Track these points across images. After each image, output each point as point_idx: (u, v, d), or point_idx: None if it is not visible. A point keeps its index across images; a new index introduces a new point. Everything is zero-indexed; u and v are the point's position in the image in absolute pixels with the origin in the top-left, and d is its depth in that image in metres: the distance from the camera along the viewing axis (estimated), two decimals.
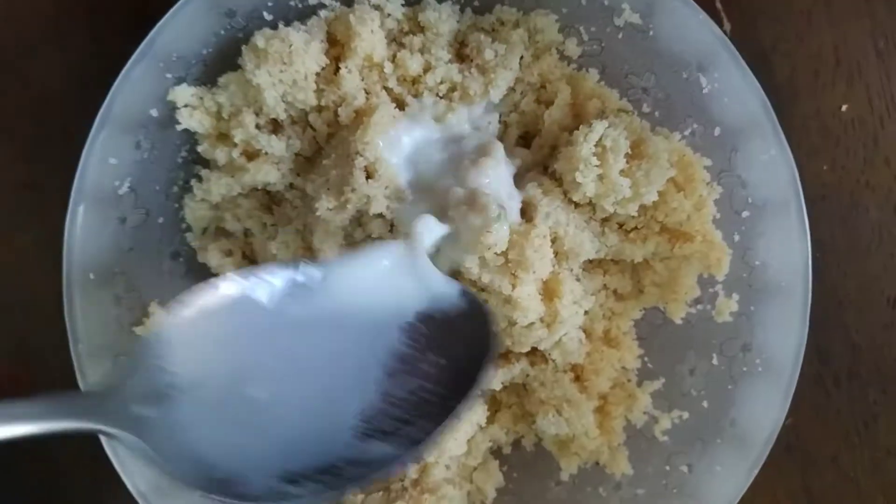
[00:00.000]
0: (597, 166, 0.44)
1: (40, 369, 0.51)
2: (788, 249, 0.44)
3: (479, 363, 0.39)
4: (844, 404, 0.53)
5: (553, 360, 0.48)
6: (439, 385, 0.39)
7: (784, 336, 0.44)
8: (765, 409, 0.44)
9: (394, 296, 0.42)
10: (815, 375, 0.53)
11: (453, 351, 0.40)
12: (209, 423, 0.38)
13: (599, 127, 0.45)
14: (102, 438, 0.44)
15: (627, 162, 0.45)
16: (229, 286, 0.39)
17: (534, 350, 0.49)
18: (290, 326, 0.40)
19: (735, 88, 0.44)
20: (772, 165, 0.43)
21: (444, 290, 0.42)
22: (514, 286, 0.43)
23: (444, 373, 0.40)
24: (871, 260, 0.52)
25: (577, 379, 0.49)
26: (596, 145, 0.45)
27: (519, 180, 0.48)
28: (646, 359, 0.50)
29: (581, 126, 0.46)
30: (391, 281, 0.42)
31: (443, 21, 0.47)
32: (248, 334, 0.40)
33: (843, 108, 0.52)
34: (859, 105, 0.52)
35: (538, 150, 0.50)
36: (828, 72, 0.52)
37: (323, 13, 0.47)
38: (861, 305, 0.53)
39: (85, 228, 0.44)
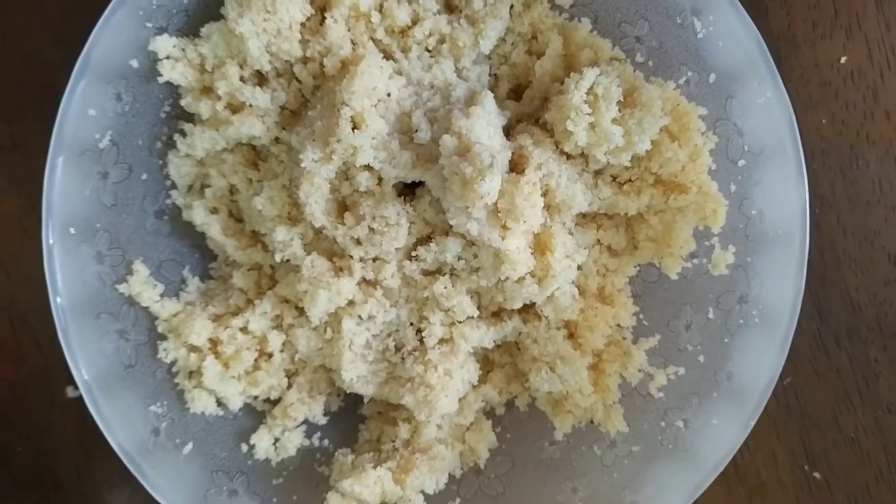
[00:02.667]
0: (588, 114, 0.43)
1: (25, 332, 0.50)
2: (786, 196, 0.43)
3: None
4: (844, 363, 0.52)
5: (546, 317, 0.47)
6: None
7: (781, 285, 0.43)
8: (761, 360, 0.43)
9: None
10: (814, 334, 0.52)
11: None
12: None
13: (591, 74, 0.44)
14: (86, 397, 0.44)
15: (620, 110, 0.44)
16: None
17: (526, 307, 0.48)
18: None
19: (730, 30, 0.42)
20: (768, 109, 0.42)
21: None
22: (503, 238, 0.42)
23: None
24: (871, 214, 0.51)
25: (571, 336, 0.48)
26: (587, 93, 0.44)
27: (510, 133, 0.47)
28: (641, 316, 0.49)
29: (572, 73, 0.44)
30: None
31: None
32: None
33: (842, 59, 0.51)
34: (858, 57, 0.51)
35: (529, 101, 0.48)
36: (826, 22, 0.51)
37: None
38: (861, 262, 0.52)
39: (65, 182, 0.43)
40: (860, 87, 0.51)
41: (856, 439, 0.52)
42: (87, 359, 0.44)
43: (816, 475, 0.52)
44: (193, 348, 0.46)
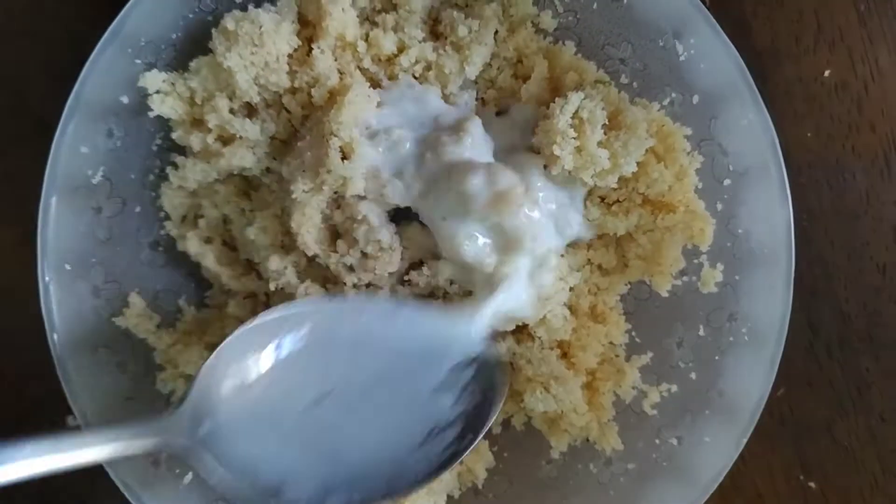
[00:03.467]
0: (574, 138, 0.44)
1: (25, 362, 0.51)
2: (771, 215, 0.43)
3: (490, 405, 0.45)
4: (836, 374, 0.52)
5: (539, 338, 0.48)
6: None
7: (769, 303, 0.44)
8: (752, 378, 0.44)
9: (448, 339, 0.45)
10: (806, 346, 0.52)
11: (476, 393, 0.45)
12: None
13: (575, 99, 0.44)
14: None
15: (605, 133, 0.44)
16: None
17: (519, 328, 0.48)
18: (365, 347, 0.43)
19: (711, 53, 0.43)
20: (751, 131, 0.43)
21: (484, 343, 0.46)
22: (501, 263, 0.43)
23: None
24: (859, 226, 0.52)
25: (565, 356, 0.49)
26: (573, 117, 0.44)
27: (499, 156, 0.47)
28: (633, 333, 0.49)
29: (557, 98, 0.45)
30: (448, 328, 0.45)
31: None
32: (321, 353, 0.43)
33: (826, 73, 0.51)
34: (842, 70, 0.51)
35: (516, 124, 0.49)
36: (809, 37, 0.51)
37: None
38: (850, 273, 0.52)
39: (59, 219, 0.44)
40: (844, 100, 0.51)
41: (850, 448, 0.52)
42: (86, 393, 0.44)
43: (812, 485, 0.52)
44: (190, 378, 0.47)
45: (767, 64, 0.49)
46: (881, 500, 0.53)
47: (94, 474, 0.44)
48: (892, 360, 0.52)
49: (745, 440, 0.43)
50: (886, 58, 0.51)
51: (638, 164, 0.44)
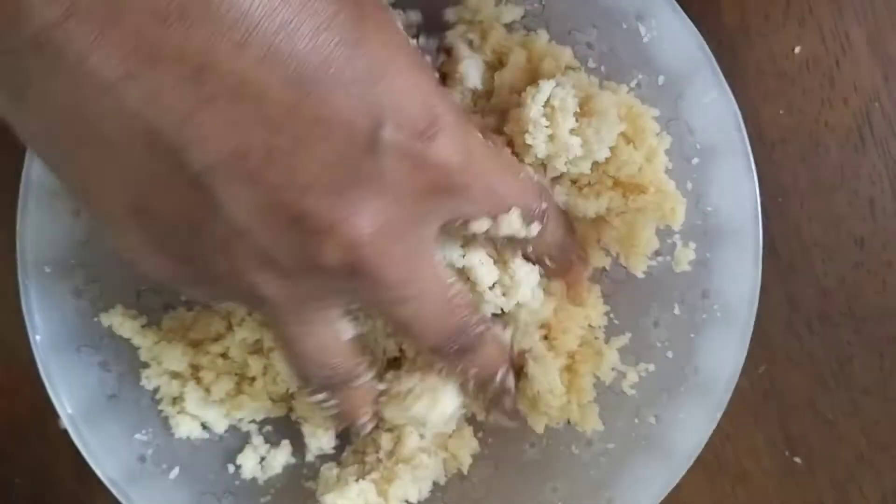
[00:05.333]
0: (546, 127, 0.44)
1: (17, 367, 0.51)
2: (737, 190, 0.44)
3: None
4: (818, 348, 0.53)
5: (521, 320, 0.48)
6: None
7: (739, 278, 0.44)
8: (724, 353, 0.44)
9: None
10: (785, 322, 0.52)
11: None
12: None
13: (546, 87, 0.44)
14: (71, 430, 0.45)
15: (577, 120, 0.44)
16: None
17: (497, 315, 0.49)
18: None
19: (672, 33, 0.43)
20: (714, 108, 0.43)
21: None
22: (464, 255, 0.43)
23: None
24: (834, 200, 0.52)
25: (546, 337, 0.49)
26: (545, 105, 0.44)
27: None
28: (611, 315, 0.50)
29: (528, 87, 0.45)
30: None
31: None
32: None
33: (797, 49, 0.51)
34: (813, 45, 0.51)
35: (490, 113, 0.49)
36: (778, 13, 0.51)
37: None
38: (828, 247, 0.52)
39: (36, 223, 0.44)
40: (816, 75, 0.51)
41: (834, 422, 0.52)
42: (69, 392, 0.45)
43: (797, 460, 0.53)
44: (175, 374, 0.48)
45: (738, 42, 0.50)
46: (868, 473, 0.53)
47: (86, 473, 0.45)
48: (873, 332, 0.52)
49: (719, 415, 0.43)
50: (857, 31, 0.51)
51: (609, 148, 0.45)
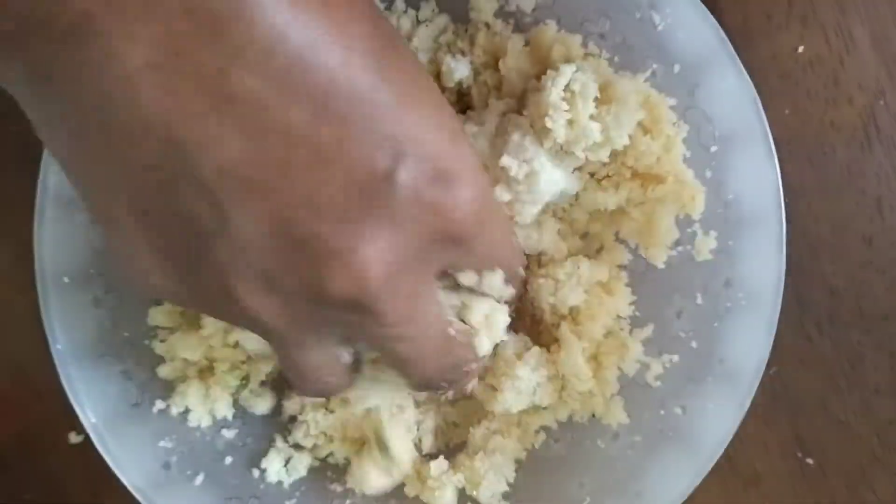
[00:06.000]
0: (566, 111, 0.44)
1: (26, 385, 0.52)
2: (759, 177, 0.43)
3: None
4: (828, 349, 0.52)
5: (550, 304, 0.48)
6: None
7: (763, 265, 0.44)
8: (751, 341, 0.44)
9: None
10: (795, 323, 0.52)
11: None
12: None
13: (567, 70, 0.44)
14: (95, 439, 0.45)
15: (596, 106, 0.44)
16: None
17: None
18: None
19: (687, 21, 0.43)
20: (732, 94, 0.43)
21: None
22: None
23: None
24: (842, 200, 0.52)
25: (574, 321, 0.48)
26: (564, 90, 0.44)
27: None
28: (634, 306, 0.49)
29: (549, 70, 0.45)
30: None
31: None
32: None
33: (800, 49, 0.51)
34: (816, 44, 0.51)
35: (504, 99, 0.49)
36: (781, 13, 0.51)
37: None
38: (836, 247, 0.52)
39: (53, 233, 0.44)
40: (820, 74, 0.51)
41: (846, 423, 0.52)
42: (92, 402, 0.45)
43: (810, 461, 0.52)
44: (188, 364, 0.47)
45: (740, 43, 0.49)
46: (881, 473, 0.52)
47: (98, 486, 0.45)
48: (884, 332, 0.52)
49: (747, 404, 0.43)
50: (860, 29, 0.51)
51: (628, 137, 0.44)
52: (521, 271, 0.41)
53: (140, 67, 0.24)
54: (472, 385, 0.44)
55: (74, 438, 0.51)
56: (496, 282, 0.37)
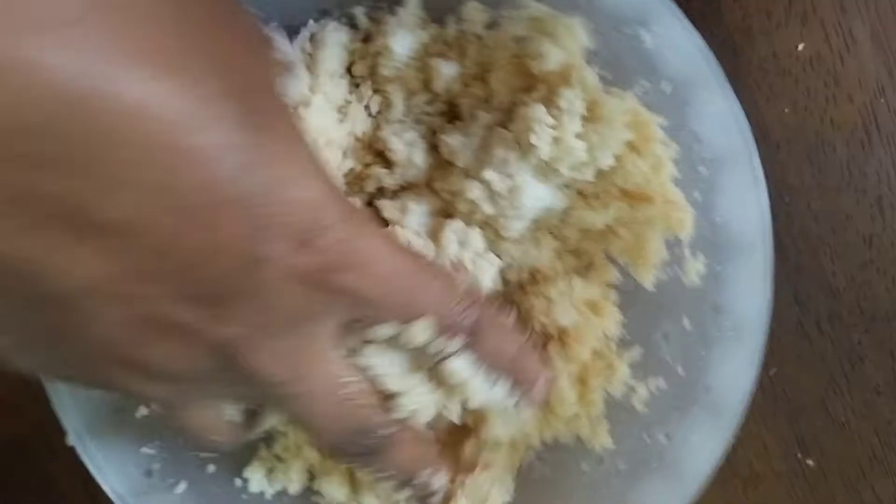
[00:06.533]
0: (552, 128, 0.43)
1: (23, 388, 0.53)
2: (746, 203, 0.42)
3: None
4: (828, 348, 0.51)
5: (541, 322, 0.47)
6: None
7: (751, 295, 0.42)
8: (736, 372, 0.42)
9: None
10: (795, 322, 0.51)
11: None
12: None
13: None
14: (77, 444, 0.45)
15: (583, 125, 0.43)
16: None
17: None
18: None
19: (675, 40, 0.42)
20: (720, 117, 0.42)
21: None
22: None
23: None
24: (842, 199, 0.51)
25: (562, 342, 0.48)
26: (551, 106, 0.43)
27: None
28: (622, 328, 0.48)
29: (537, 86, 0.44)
30: None
31: None
32: None
33: (800, 47, 0.50)
34: (816, 42, 0.50)
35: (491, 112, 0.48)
36: (780, 11, 0.50)
37: None
38: (836, 246, 0.51)
39: None
40: (820, 72, 0.50)
41: (846, 423, 0.51)
42: (75, 407, 0.45)
43: (809, 462, 0.52)
44: None
45: (740, 42, 0.49)
46: (881, 474, 0.51)
47: (94, 489, 0.46)
48: (884, 332, 0.51)
49: (731, 437, 0.42)
50: (860, 27, 0.49)
51: (615, 156, 0.44)
52: (470, 316, 0.36)
53: None
54: (429, 476, 0.39)
55: (71, 441, 0.52)
56: (423, 332, 0.34)
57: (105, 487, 0.45)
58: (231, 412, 0.38)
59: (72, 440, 0.45)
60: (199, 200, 0.26)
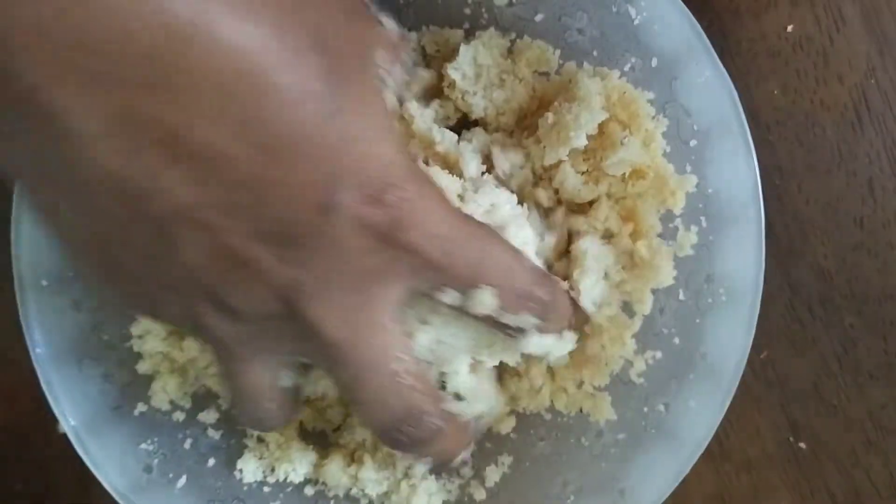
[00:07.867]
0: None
1: (15, 375, 0.51)
2: (737, 173, 0.43)
3: None
4: (820, 332, 0.52)
5: None
6: None
7: (743, 261, 0.43)
8: (732, 338, 0.43)
9: None
10: (786, 306, 0.51)
11: None
12: None
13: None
14: (75, 442, 0.45)
15: (559, 104, 0.44)
16: None
17: None
18: None
19: (662, 14, 0.42)
20: (709, 88, 0.42)
21: None
22: None
23: None
24: (832, 180, 0.51)
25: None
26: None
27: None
28: None
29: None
30: None
31: None
32: None
33: (789, 28, 0.50)
34: (805, 23, 0.50)
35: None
36: None
37: None
38: (827, 229, 0.51)
39: (30, 238, 0.44)
40: (810, 53, 0.50)
41: (839, 407, 0.51)
42: (73, 405, 0.45)
43: (802, 445, 0.52)
44: (165, 358, 0.47)
45: (728, 23, 0.49)
46: (874, 458, 0.52)
47: (88, 478, 0.45)
48: (876, 314, 0.51)
49: (728, 402, 0.43)
50: (849, 7, 0.50)
51: (604, 132, 0.44)
52: (544, 296, 0.36)
53: (95, 136, 0.26)
54: (461, 458, 0.40)
55: (64, 428, 0.51)
56: (486, 300, 0.35)
57: (106, 485, 0.45)
58: (286, 380, 0.38)
59: (69, 436, 0.44)
60: (279, 139, 0.28)
